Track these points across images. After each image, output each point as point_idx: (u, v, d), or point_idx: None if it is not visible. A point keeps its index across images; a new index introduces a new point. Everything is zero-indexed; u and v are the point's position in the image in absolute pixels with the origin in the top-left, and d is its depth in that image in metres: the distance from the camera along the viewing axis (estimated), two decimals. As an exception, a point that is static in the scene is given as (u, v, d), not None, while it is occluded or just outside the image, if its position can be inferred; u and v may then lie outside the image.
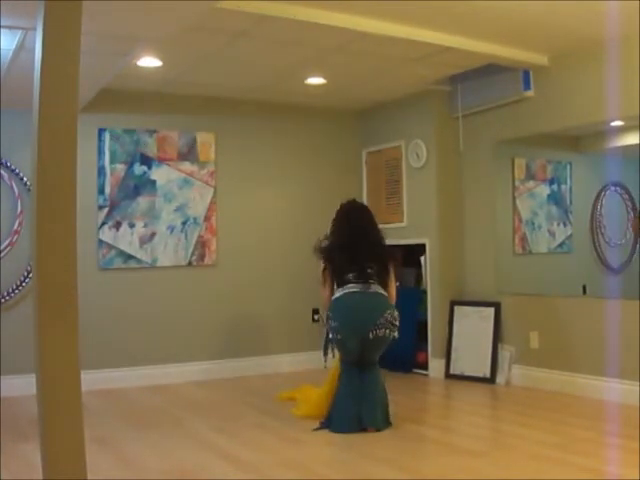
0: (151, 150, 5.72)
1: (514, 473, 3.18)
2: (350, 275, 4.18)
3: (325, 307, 4.41)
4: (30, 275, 5.13)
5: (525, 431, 3.91)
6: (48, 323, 2.11)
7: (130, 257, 5.61)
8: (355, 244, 4.28)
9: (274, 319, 6.13)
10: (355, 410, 4.03)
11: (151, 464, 3.47)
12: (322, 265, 4.39)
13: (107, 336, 5.46)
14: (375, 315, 4.07)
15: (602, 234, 5.62)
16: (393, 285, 4.34)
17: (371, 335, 4.02)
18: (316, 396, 4.44)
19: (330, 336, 4.25)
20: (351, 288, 4.16)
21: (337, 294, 4.22)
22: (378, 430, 3.99)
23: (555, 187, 5.74)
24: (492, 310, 5.43)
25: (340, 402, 4.08)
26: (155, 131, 5.74)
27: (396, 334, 4.15)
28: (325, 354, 4.51)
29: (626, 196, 5.52)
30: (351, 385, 4.10)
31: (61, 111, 2.16)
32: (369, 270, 4.19)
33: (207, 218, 5.91)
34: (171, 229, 5.77)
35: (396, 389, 4.75)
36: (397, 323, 4.15)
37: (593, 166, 5.70)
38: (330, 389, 4.25)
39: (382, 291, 4.19)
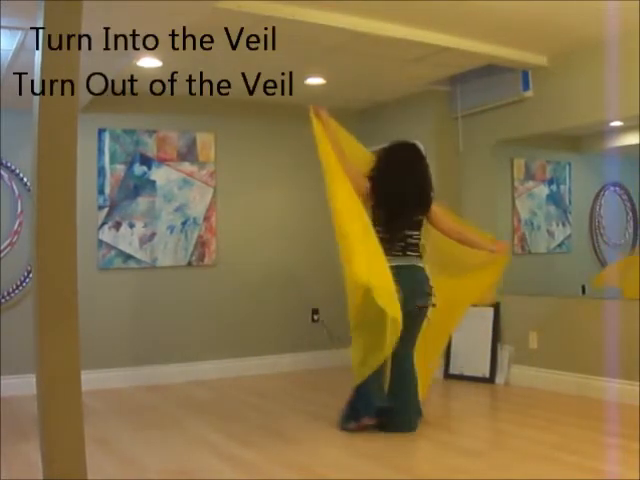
0: (151, 150, 5.72)
1: (513, 473, 3.18)
2: (388, 245, 3.95)
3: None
4: (30, 275, 5.14)
5: (524, 431, 3.91)
6: (48, 323, 2.11)
7: (130, 257, 5.61)
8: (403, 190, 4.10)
9: (274, 319, 6.13)
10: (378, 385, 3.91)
11: (151, 464, 3.48)
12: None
13: (107, 336, 5.46)
14: (418, 287, 3.93)
15: (601, 234, 5.64)
16: (446, 218, 4.16)
17: (417, 303, 3.90)
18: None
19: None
20: (391, 261, 3.90)
21: None
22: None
23: (554, 187, 5.75)
24: (491, 310, 5.43)
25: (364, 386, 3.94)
26: (155, 131, 5.74)
27: (432, 301, 3.97)
28: None
29: (625, 196, 5.53)
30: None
31: (61, 111, 2.16)
32: (414, 218, 4.03)
33: (207, 218, 5.92)
34: (171, 229, 5.78)
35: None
36: (432, 291, 3.98)
37: (592, 166, 5.71)
38: None
39: (420, 263, 4.02)
